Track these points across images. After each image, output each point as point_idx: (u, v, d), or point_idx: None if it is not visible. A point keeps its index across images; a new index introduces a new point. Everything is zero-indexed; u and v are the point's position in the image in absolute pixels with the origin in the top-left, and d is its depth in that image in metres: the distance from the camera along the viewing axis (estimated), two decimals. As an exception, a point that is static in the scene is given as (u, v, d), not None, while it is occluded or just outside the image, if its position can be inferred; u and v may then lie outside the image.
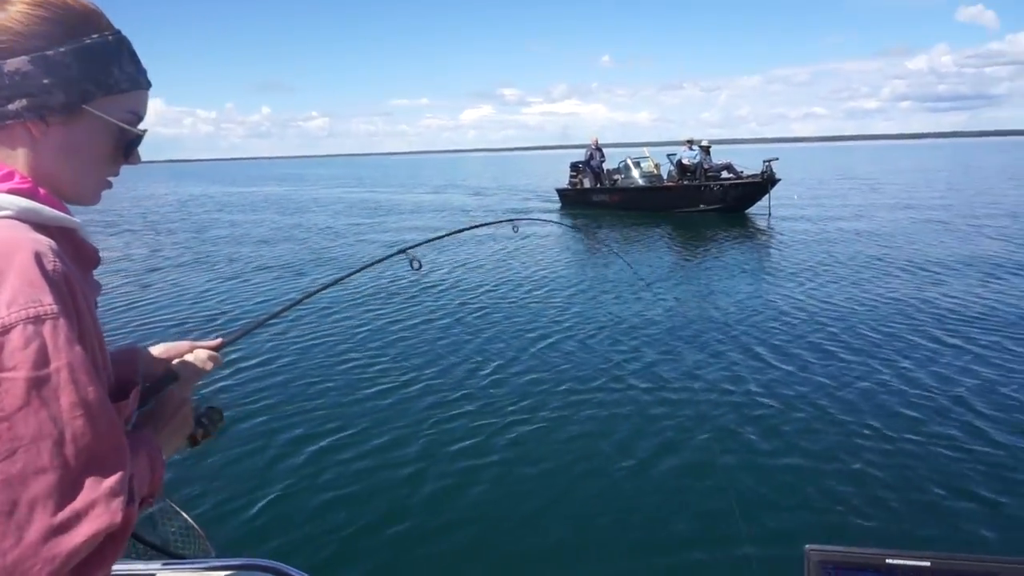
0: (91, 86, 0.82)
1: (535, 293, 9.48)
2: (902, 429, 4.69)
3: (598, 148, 21.29)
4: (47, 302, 0.71)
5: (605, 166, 21.44)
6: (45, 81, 0.79)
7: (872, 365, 5.99)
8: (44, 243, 0.75)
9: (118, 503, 0.73)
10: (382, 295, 9.14)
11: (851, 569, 0.95)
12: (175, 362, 1.11)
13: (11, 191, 0.79)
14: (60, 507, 0.69)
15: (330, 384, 5.87)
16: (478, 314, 8.28)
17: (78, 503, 0.70)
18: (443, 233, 2.36)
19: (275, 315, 1.60)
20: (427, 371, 6.12)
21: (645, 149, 21.62)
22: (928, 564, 0.91)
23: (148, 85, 0.91)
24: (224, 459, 4.43)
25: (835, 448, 4.44)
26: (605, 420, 4.99)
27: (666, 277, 10.79)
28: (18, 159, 0.82)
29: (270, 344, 6.82)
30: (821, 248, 12.88)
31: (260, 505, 3.89)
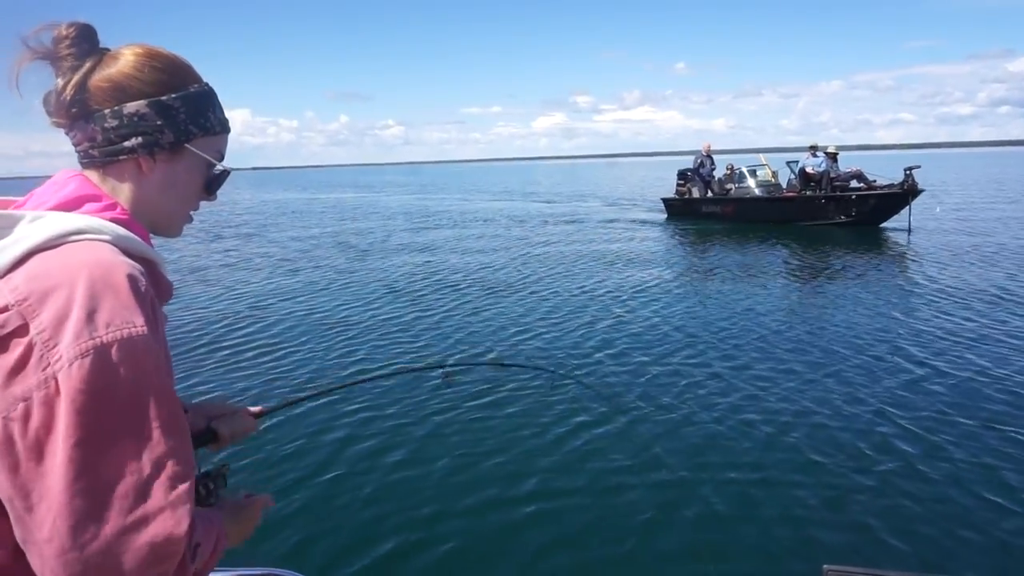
0: (194, 128, 0.96)
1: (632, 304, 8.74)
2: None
3: (709, 155, 19.59)
4: (139, 324, 0.79)
5: (716, 174, 19.73)
6: (159, 122, 0.93)
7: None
8: (137, 268, 0.84)
9: (184, 511, 0.79)
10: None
11: None
12: (214, 422, 1.18)
13: (112, 220, 0.89)
14: (134, 509, 0.76)
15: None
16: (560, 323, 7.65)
17: (149, 507, 0.77)
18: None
19: (320, 393, 1.90)
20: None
21: (762, 156, 19.76)
22: None
23: (229, 130, 1.04)
24: (249, 467, 4.42)
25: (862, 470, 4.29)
26: (642, 433, 4.93)
27: (786, 301, 9.42)
28: (123, 192, 0.94)
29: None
30: (979, 273, 10.69)
31: (281, 516, 3.87)
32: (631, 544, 3.56)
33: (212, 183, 1.03)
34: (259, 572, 1.46)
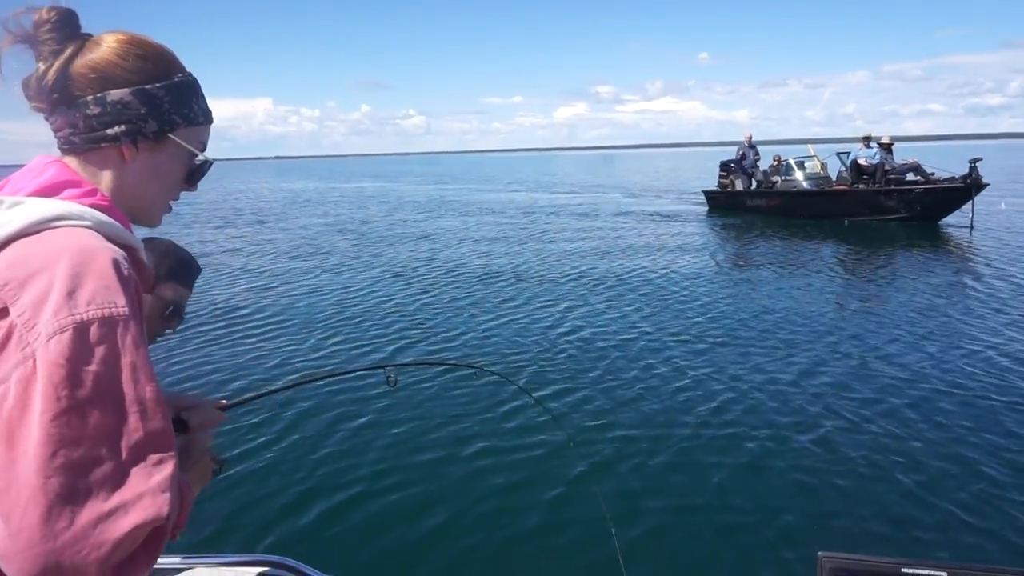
0: (178, 117, 0.94)
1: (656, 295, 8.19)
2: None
3: (752, 146, 18.61)
4: (120, 304, 0.77)
5: (760, 165, 18.73)
6: (142, 111, 0.91)
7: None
8: (119, 252, 0.83)
9: (165, 498, 0.75)
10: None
11: None
12: (184, 413, 1.17)
13: (92, 206, 0.87)
14: (112, 496, 0.72)
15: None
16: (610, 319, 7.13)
17: (128, 493, 0.73)
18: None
19: (282, 389, 1.81)
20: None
21: (810, 147, 18.72)
22: (945, 574, 0.90)
23: (212, 120, 1.01)
24: (245, 459, 4.48)
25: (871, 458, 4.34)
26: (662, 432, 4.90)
27: (835, 303, 8.67)
28: (103, 179, 0.92)
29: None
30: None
31: (277, 505, 3.94)
32: (640, 531, 3.60)
33: (194, 173, 1.01)
34: (256, 558, 1.45)
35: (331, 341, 7.34)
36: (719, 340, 6.97)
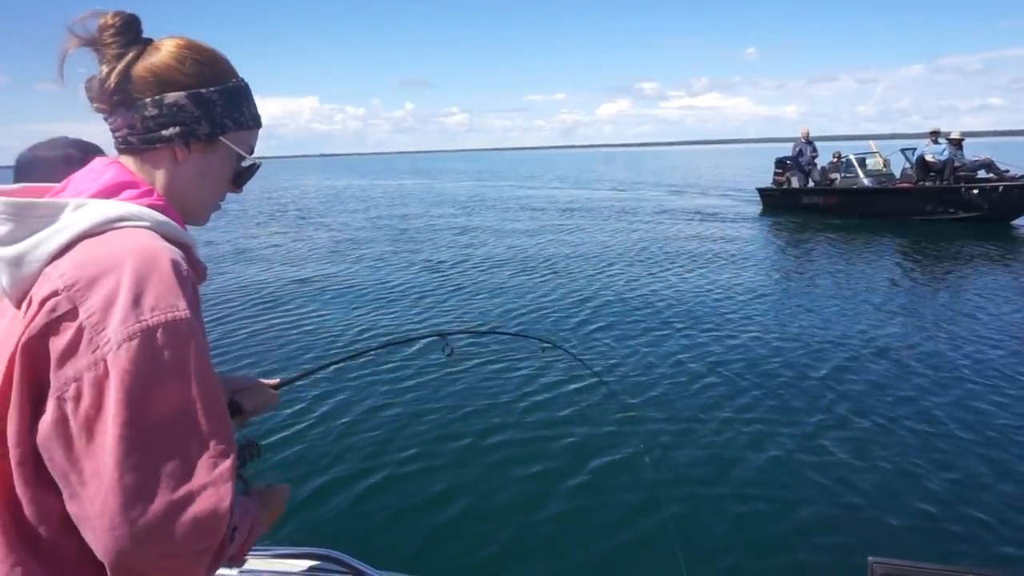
0: (229, 121, 0.98)
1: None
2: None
3: (809, 142, 17.81)
4: (181, 307, 0.82)
5: (818, 162, 17.91)
6: (196, 113, 0.95)
7: None
8: (178, 252, 0.87)
9: (227, 487, 0.82)
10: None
11: None
12: (236, 396, 1.21)
13: (150, 206, 0.91)
14: (180, 487, 0.79)
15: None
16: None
17: (195, 484, 0.80)
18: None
19: (335, 363, 1.81)
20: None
21: (872, 143, 17.83)
22: None
23: (260, 124, 1.05)
24: (289, 447, 4.41)
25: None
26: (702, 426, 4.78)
27: (900, 310, 7.96)
28: (157, 179, 0.97)
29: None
30: None
31: (320, 499, 3.85)
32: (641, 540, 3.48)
33: (241, 175, 1.05)
34: (301, 551, 1.46)
35: (377, 322, 7.70)
36: (790, 337, 6.71)
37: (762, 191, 19.94)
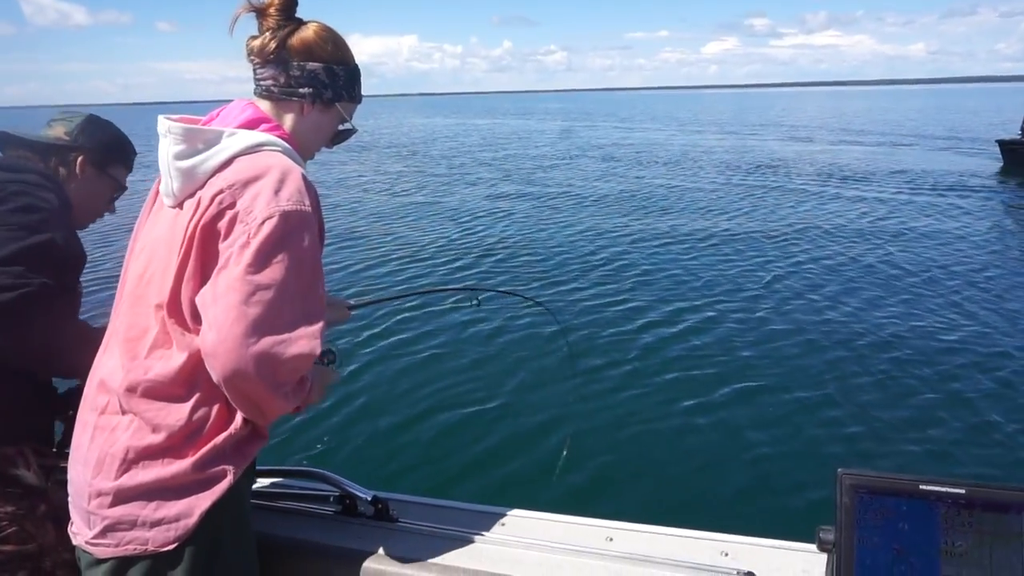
0: (345, 93, 1.30)
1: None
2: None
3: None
4: (307, 204, 1.12)
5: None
6: (325, 82, 1.26)
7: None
8: (304, 171, 1.18)
9: (317, 342, 1.09)
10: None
11: (884, 494, 0.95)
12: None
13: (280, 137, 1.22)
14: (286, 331, 1.07)
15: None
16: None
17: (297, 332, 1.08)
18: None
19: (398, 296, 2.68)
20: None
21: None
22: (963, 491, 0.92)
23: (361, 100, 1.37)
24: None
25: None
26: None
27: None
28: (285, 122, 1.27)
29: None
30: None
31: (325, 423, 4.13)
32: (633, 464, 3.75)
33: (338, 136, 1.38)
34: (297, 469, 1.64)
35: (475, 264, 8.17)
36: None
37: (1005, 144, 16.08)
